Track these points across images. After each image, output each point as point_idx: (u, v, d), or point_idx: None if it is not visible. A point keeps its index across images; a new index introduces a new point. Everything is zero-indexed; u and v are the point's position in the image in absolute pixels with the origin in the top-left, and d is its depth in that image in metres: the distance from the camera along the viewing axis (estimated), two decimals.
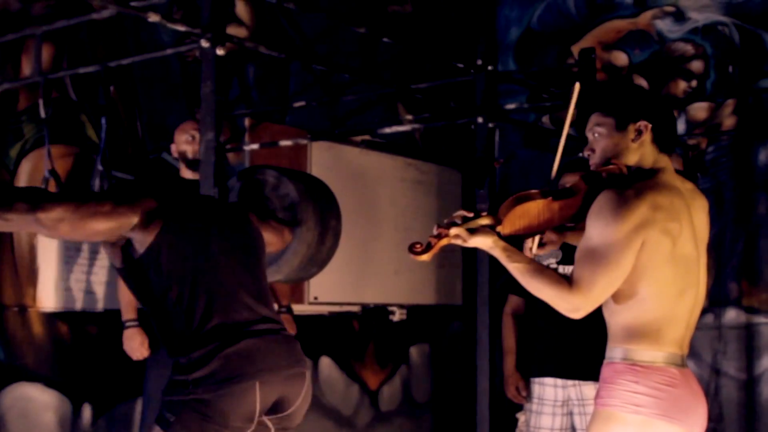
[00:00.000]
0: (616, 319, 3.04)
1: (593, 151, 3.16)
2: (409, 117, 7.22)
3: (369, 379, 7.26)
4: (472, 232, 2.98)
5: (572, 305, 2.94)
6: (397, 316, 7.32)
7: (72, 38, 5.41)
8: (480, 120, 4.95)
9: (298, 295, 6.19)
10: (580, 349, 4.58)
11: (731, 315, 6.86)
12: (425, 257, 2.96)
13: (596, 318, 4.31)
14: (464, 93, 6.18)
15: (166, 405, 3.12)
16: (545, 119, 7.91)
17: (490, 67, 5.06)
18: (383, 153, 6.96)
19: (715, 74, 7.24)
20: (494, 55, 5.12)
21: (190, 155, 5.00)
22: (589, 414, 4.53)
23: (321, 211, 4.23)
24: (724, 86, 7.18)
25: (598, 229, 2.94)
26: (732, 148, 7.11)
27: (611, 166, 3.10)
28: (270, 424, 3.24)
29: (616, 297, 3.00)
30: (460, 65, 5.24)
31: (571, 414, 4.64)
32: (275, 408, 3.23)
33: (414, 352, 7.66)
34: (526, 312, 4.92)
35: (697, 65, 7.31)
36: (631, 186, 2.99)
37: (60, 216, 3.07)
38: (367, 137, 6.63)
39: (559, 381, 4.65)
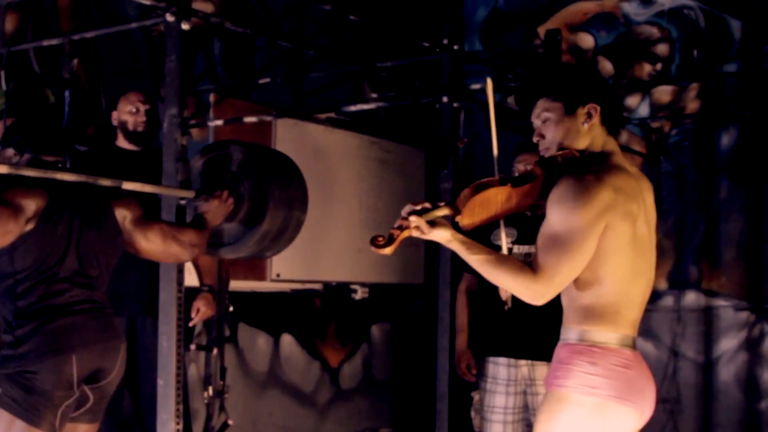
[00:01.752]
0: (574, 302, 3.03)
1: (542, 137, 3.14)
2: (374, 95, 7.20)
3: (330, 356, 7.27)
4: (432, 224, 2.96)
5: (536, 293, 2.93)
6: (359, 294, 7.32)
7: (36, 10, 5.35)
8: (445, 100, 4.94)
9: (260, 272, 6.17)
10: (533, 330, 4.60)
11: (691, 298, 6.91)
12: (388, 251, 2.92)
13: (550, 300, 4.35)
14: (430, 72, 6.18)
15: None
16: (510, 100, 7.91)
17: (456, 47, 5.05)
18: (348, 131, 6.94)
19: (680, 58, 7.27)
20: (460, 34, 5.12)
21: (130, 126, 4.97)
22: (541, 394, 4.56)
23: (287, 202, 4.23)
24: (688, 70, 7.21)
25: (560, 215, 2.91)
26: (695, 131, 7.14)
27: (565, 151, 3.07)
28: (89, 393, 3.49)
29: (576, 280, 2.98)
30: (426, 44, 5.23)
31: (524, 393, 4.66)
32: (93, 378, 3.47)
33: (375, 330, 7.68)
34: (479, 290, 4.93)
35: (662, 48, 7.34)
36: (588, 170, 2.98)
37: None
38: (331, 115, 6.61)
39: (512, 360, 4.67)
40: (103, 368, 3.50)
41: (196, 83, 6.11)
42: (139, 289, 4.78)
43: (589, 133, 3.09)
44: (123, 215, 3.73)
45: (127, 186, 3.75)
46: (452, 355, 4.93)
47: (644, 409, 3.02)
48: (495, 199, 3.03)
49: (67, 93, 4.53)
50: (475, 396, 4.82)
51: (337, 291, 7.23)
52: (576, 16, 7.65)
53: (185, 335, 5.42)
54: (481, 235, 4.59)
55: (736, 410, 6.87)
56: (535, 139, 3.17)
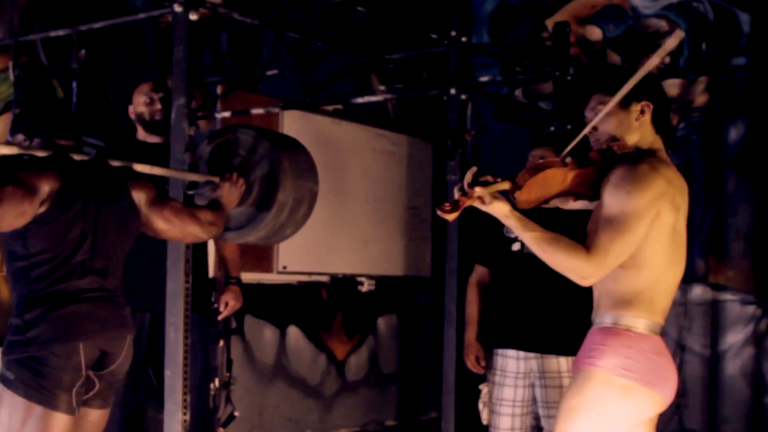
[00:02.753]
0: (611, 286, 3.11)
1: (595, 128, 3.22)
2: (382, 87, 7.20)
3: (336, 349, 7.27)
4: (493, 196, 3.04)
5: (587, 272, 3.01)
6: (366, 286, 7.32)
7: (44, 1, 5.35)
8: (453, 91, 4.94)
9: (266, 264, 6.17)
10: (543, 322, 4.59)
11: (697, 291, 6.91)
12: (452, 216, 2.98)
13: (559, 292, 4.34)
14: (438, 64, 6.16)
15: (6, 364, 3.36)
16: (518, 92, 7.91)
17: (464, 39, 5.05)
18: (355, 123, 6.93)
19: (688, 51, 7.25)
20: (468, 27, 5.11)
21: (146, 117, 4.93)
22: (550, 387, 4.56)
23: (298, 173, 4.23)
24: (697, 63, 7.20)
25: (616, 199, 3.02)
26: (703, 125, 7.13)
27: (619, 142, 3.16)
28: (95, 379, 3.49)
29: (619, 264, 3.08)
30: (434, 36, 5.22)
31: (532, 386, 4.66)
32: (99, 365, 3.48)
33: (382, 323, 7.68)
34: (491, 283, 4.92)
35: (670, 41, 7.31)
36: (643, 161, 3.08)
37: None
38: (339, 107, 6.61)
39: (522, 353, 4.66)
40: (109, 354, 3.51)
41: (203, 75, 6.11)
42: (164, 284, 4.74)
43: (639, 130, 3.20)
44: (139, 197, 3.70)
45: (138, 168, 3.76)
46: (460, 348, 4.93)
47: (667, 395, 3.13)
48: (553, 179, 3.10)
49: (74, 84, 4.53)
50: (484, 388, 4.81)
51: (344, 283, 7.23)
52: (584, 9, 7.64)
53: (224, 328, 5.47)
54: (494, 229, 4.60)
55: (742, 404, 6.86)
56: (587, 131, 3.23)
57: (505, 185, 3.06)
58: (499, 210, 3.06)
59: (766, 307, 6.82)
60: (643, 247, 3.05)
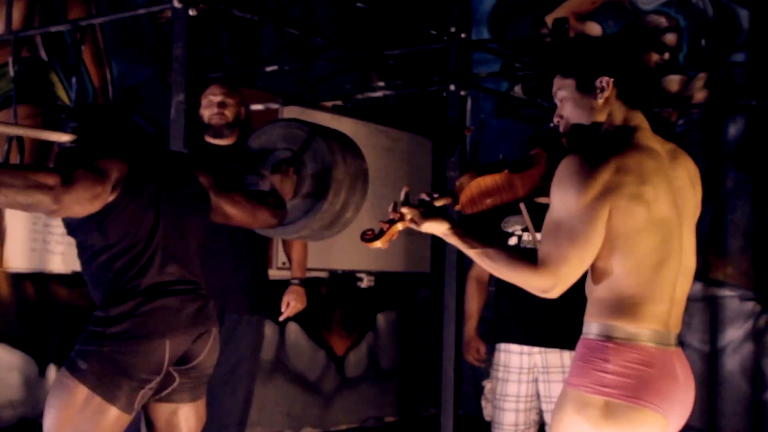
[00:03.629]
0: (594, 294, 2.78)
1: (561, 117, 2.92)
2: (382, 83, 7.20)
3: (336, 345, 7.28)
4: (427, 215, 2.83)
5: (542, 286, 2.70)
6: (365, 282, 7.33)
7: None
8: (452, 87, 4.94)
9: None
10: (545, 317, 4.59)
11: (696, 287, 6.90)
12: (378, 244, 2.83)
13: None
14: (437, 60, 6.17)
15: (80, 353, 3.27)
16: (518, 88, 7.91)
17: (463, 35, 5.05)
18: (354, 119, 6.95)
19: (687, 47, 7.26)
20: (468, 23, 5.12)
21: (205, 120, 4.84)
22: (553, 382, 4.56)
23: (348, 153, 4.21)
24: (696, 59, 7.20)
25: (559, 200, 2.69)
26: (702, 121, 7.13)
27: (571, 130, 2.88)
28: (175, 374, 3.42)
29: (592, 272, 2.76)
30: (434, 32, 5.23)
31: (536, 381, 4.66)
32: (181, 360, 3.41)
33: (381, 319, 7.68)
34: (490, 277, 4.92)
35: (670, 38, 7.33)
36: (593, 149, 2.73)
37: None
38: (338, 103, 6.61)
39: (525, 348, 4.65)
40: (192, 352, 3.43)
41: (203, 71, 6.11)
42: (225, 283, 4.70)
43: (605, 109, 2.85)
44: (206, 183, 3.64)
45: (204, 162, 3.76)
46: (459, 345, 4.93)
47: (670, 412, 2.72)
48: (494, 186, 2.91)
49: (74, 80, 4.53)
50: (487, 385, 4.80)
51: (343, 279, 7.24)
52: (584, 5, 7.64)
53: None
54: (491, 223, 4.60)
55: (741, 400, 6.87)
56: (555, 120, 2.95)
57: (443, 201, 2.88)
58: (436, 229, 2.83)
59: (766, 303, 6.82)
60: (608, 249, 2.69)
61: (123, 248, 3.33)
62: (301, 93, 6.76)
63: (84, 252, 3.40)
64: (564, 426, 2.73)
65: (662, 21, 7.35)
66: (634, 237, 2.70)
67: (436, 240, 7.54)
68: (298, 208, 4.19)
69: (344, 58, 6.76)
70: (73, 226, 3.36)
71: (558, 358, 4.57)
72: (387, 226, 2.85)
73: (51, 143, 5.08)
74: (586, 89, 2.86)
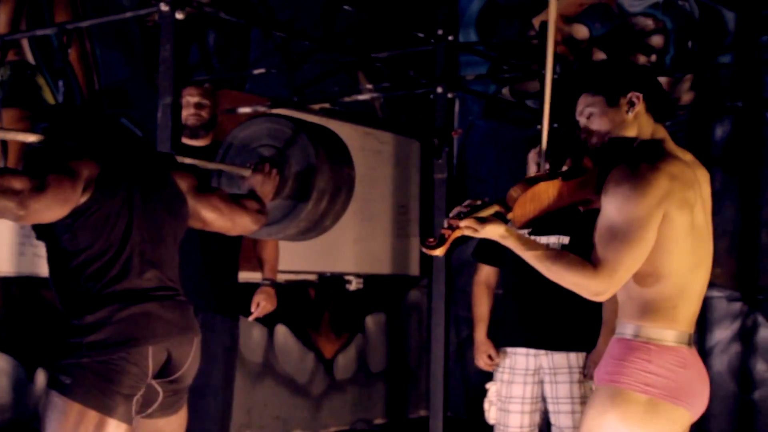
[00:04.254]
0: (631, 295, 2.94)
1: (589, 132, 3.07)
2: (369, 86, 7.21)
3: (324, 347, 7.28)
4: (483, 221, 2.88)
5: (597, 289, 2.83)
6: (354, 285, 7.34)
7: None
8: (439, 90, 4.95)
9: (253, 263, 6.18)
10: (551, 320, 4.59)
11: None
12: (439, 251, 2.85)
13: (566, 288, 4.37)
14: (424, 63, 6.18)
15: (61, 368, 3.12)
16: (505, 91, 7.92)
17: (450, 38, 5.06)
18: (342, 122, 6.94)
19: (674, 49, 7.28)
20: (455, 25, 5.13)
21: (181, 120, 4.83)
22: (560, 383, 4.57)
23: (335, 159, 4.14)
24: (683, 61, 7.22)
25: (617, 206, 2.84)
26: (689, 123, 7.15)
27: (612, 142, 3.01)
28: (159, 388, 3.27)
29: (634, 274, 2.89)
30: (421, 35, 5.24)
31: (542, 383, 4.67)
32: (163, 372, 3.26)
33: (370, 321, 7.69)
34: (498, 282, 4.93)
35: (656, 40, 7.35)
36: (642, 159, 2.91)
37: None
38: (326, 105, 6.61)
39: (531, 350, 4.66)
40: (175, 361, 3.28)
41: (190, 74, 6.11)
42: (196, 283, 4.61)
43: (635, 123, 3.03)
44: (183, 185, 3.49)
45: (184, 161, 3.69)
46: (447, 347, 4.94)
47: (697, 409, 2.96)
48: (546, 194, 2.95)
49: (61, 83, 4.52)
50: (491, 387, 4.80)
51: (332, 282, 7.24)
52: (571, 7, 7.66)
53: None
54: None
55: (729, 400, 6.89)
56: (582, 137, 3.09)
57: (495, 207, 2.91)
58: (494, 232, 2.88)
59: (752, 304, 6.84)
60: (659, 253, 2.86)
61: (95, 253, 3.18)
62: (289, 96, 6.76)
63: (53, 257, 3.25)
64: (603, 420, 2.90)
65: (649, 23, 7.37)
66: (678, 241, 2.88)
67: (424, 242, 7.56)
68: (276, 210, 4.11)
69: (332, 60, 6.76)
70: (41, 230, 3.22)
71: (564, 359, 4.57)
72: (449, 232, 2.85)
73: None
74: (615, 105, 3.02)
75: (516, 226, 2.97)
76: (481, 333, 4.94)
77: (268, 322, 6.77)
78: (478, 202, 2.94)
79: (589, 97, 3.07)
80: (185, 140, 4.82)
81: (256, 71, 6.05)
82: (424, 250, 2.85)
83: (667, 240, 2.86)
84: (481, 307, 4.96)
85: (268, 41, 6.77)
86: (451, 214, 2.90)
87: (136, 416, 3.26)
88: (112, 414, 3.09)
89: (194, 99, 4.80)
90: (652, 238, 2.83)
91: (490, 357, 4.91)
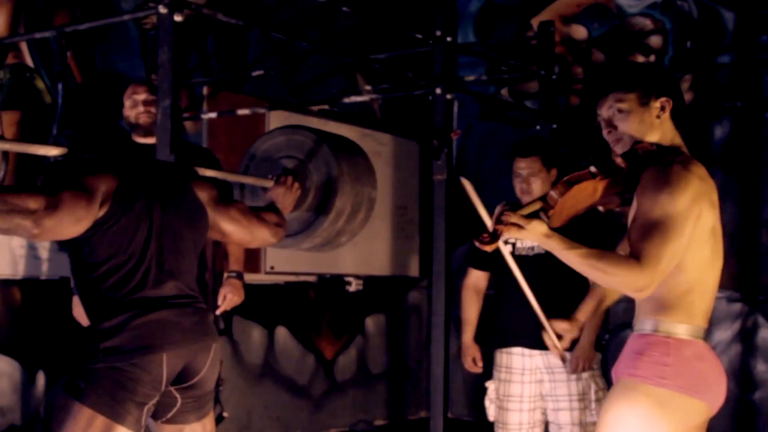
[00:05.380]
0: (655, 292, 2.95)
1: (614, 128, 3.10)
2: (368, 87, 7.21)
3: (325, 349, 7.28)
4: (528, 218, 2.90)
5: (643, 284, 2.86)
6: (354, 286, 7.33)
7: (29, 2, 5.35)
8: (438, 91, 4.94)
9: (254, 265, 6.19)
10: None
11: None
12: (493, 246, 2.89)
13: (557, 289, 4.36)
14: (423, 64, 6.18)
15: (76, 372, 3.15)
16: (504, 92, 7.92)
17: (449, 39, 5.05)
18: (341, 123, 6.94)
19: (673, 49, 7.28)
20: (453, 26, 5.11)
21: (132, 120, 4.85)
22: (558, 381, 4.58)
23: (357, 178, 4.13)
24: (681, 61, 7.22)
25: (655, 203, 2.88)
26: (688, 123, 7.14)
27: (643, 144, 3.04)
28: (177, 395, 3.30)
29: None
30: (419, 36, 5.23)
31: (540, 382, 4.67)
32: (180, 378, 3.28)
33: (370, 322, 7.69)
34: (489, 285, 4.94)
35: (655, 40, 7.35)
36: (674, 161, 2.97)
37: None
38: (325, 107, 6.61)
39: (526, 351, 4.67)
40: (192, 368, 3.30)
41: (189, 76, 6.11)
42: None
43: (660, 127, 3.08)
44: (202, 196, 3.50)
45: (205, 173, 3.70)
46: (447, 348, 4.94)
47: (714, 402, 3.02)
48: (584, 193, 3.00)
49: (60, 86, 4.52)
50: (490, 386, 4.81)
51: (332, 283, 7.24)
52: (569, 8, 7.66)
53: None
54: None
55: (729, 401, 6.81)
56: (605, 132, 3.13)
57: (537, 205, 2.94)
58: (538, 231, 2.90)
59: (753, 305, 6.84)
60: (686, 250, 2.93)
61: (114, 265, 3.21)
62: (288, 97, 6.77)
63: (75, 267, 3.29)
64: (621, 412, 2.97)
65: (647, 23, 7.37)
66: (704, 240, 2.97)
67: (424, 243, 7.56)
68: (293, 223, 4.10)
69: (330, 62, 6.76)
70: (63, 242, 3.26)
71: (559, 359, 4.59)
72: (501, 227, 2.89)
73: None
74: (647, 105, 3.07)
75: (553, 225, 2.99)
76: (468, 336, 4.97)
77: (268, 323, 6.78)
78: (514, 205, 2.98)
79: (621, 93, 3.09)
80: (138, 139, 4.79)
81: (255, 73, 6.05)
82: (478, 244, 2.88)
83: (694, 237, 2.93)
84: (470, 310, 4.98)
85: (266, 43, 6.77)
86: (495, 213, 2.93)
87: (156, 422, 3.31)
88: (121, 421, 3.12)
89: (141, 97, 4.77)
90: (688, 234, 2.90)
91: (474, 360, 4.93)
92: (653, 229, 2.87)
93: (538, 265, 4.50)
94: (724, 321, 6.91)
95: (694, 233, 2.92)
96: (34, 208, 3.01)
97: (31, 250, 5.33)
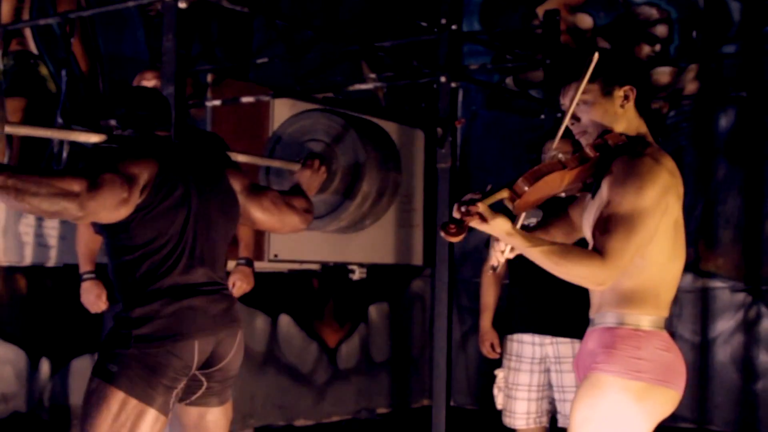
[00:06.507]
0: (616, 285, 2.94)
1: (577, 119, 3.06)
2: (373, 75, 7.19)
3: (328, 337, 7.28)
4: (494, 214, 2.83)
5: (602, 278, 2.85)
6: (357, 274, 7.33)
7: None
8: (443, 79, 4.93)
9: (258, 252, 6.18)
10: (556, 307, 4.61)
11: (687, 279, 6.91)
12: (460, 237, 2.82)
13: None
14: (428, 52, 6.17)
15: (109, 356, 3.21)
16: (509, 80, 7.91)
17: (454, 27, 5.04)
18: (345, 111, 6.94)
19: (678, 39, 7.26)
20: (459, 14, 5.10)
21: None
22: (565, 372, 4.59)
23: (383, 162, 4.13)
24: (687, 51, 7.20)
25: (623, 197, 2.85)
26: (693, 113, 7.14)
27: (612, 134, 3.01)
28: (203, 378, 3.37)
29: None
30: (424, 24, 5.22)
31: (548, 371, 4.68)
32: (207, 363, 3.36)
33: (373, 311, 7.69)
34: (506, 272, 4.93)
35: (661, 29, 7.33)
36: (645, 153, 2.94)
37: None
38: (329, 95, 6.61)
39: (537, 338, 4.67)
40: (219, 353, 3.37)
41: (193, 63, 6.10)
42: None
43: (625, 116, 3.04)
44: (235, 184, 3.55)
45: (237, 158, 3.69)
46: (450, 336, 4.94)
47: (681, 389, 3.00)
48: (552, 182, 2.96)
49: (63, 72, 4.51)
50: (499, 374, 4.83)
51: (335, 271, 7.24)
52: None
53: None
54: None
55: (732, 391, 6.89)
56: (569, 123, 3.08)
57: (504, 194, 2.88)
58: (501, 228, 2.83)
59: (756, 295, 6.84)
60: (651, 243, 2.90)
61: (151, 249, 3.26)
62: (292, 85, 6.75)
63: (111, 251, 3.32)
64: (601, 408, 2.92)
65: (653, 13, 7.35)
66: (669, 232, 2.94)
67: (428, 231, 7.55)
68: (324, 204, 4.10)
69: (335, 50, 6.75)
70: (101, 225, 3.29)
71: (569, 349, 4.60)
72: (469, 219, 2.82)
73: (41, 140, 5.08)
74: (609, 95, 3.02)
75: (516, 212, 2.98)
76: (486, 321, 4.97)
77: (271, 311, 6.78)
78: (488, 189, 2.91)
79: (582, 84, 3.02)
80: None
81: (259, 60, 6.04)
82: (444, 236, 2.82)
83: (659, 231, 2.91)
84: (488, 295, 4.99)
85: (271, 30, 6.75)
86: (462, 199, 2.86)
87: (180, 403, 3.37)
88: (152, 404, 3.18)
89: (152, 83, 4.76)
90: (655, 228, 2.88)
91: (492, 346, 4.94)
92: (619, 223, 2.84)
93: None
94: (727, 311, 6.91)
95: (659, 226, 2.89)
96: (78, 190, 3.05)
97: (38, 237, 5.33)
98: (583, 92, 3.02)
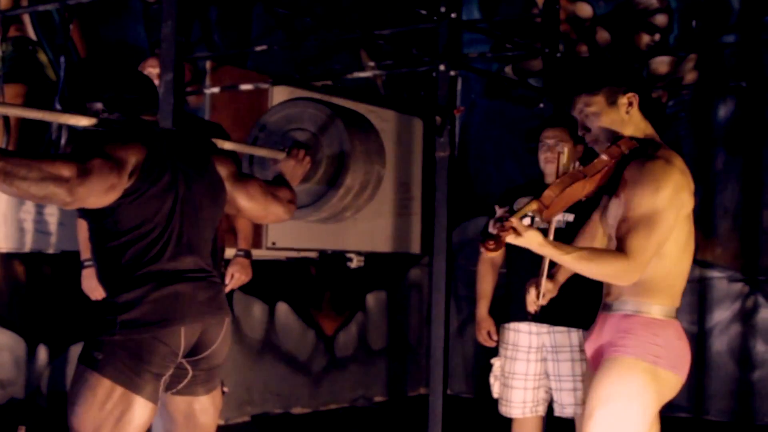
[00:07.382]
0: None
1: (587, 129, 3.29)
2: (372, 63, 7.19)
3: (325, 325, 7.29)
4: (525, 229, 3.04)
5: (630, 276, 3.09)
6: (355, 263, 7.34)
7: None
8: (442, 68, 4.93)
9: (256, 240, 6.17)
10: (555, 296, 4.61)
11: None
12: (498, 252, 3.11)
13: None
14: (427, 40, 6.16)
15: (93, 343, 3.18)
16: (508, 69, 7.90)
17: (453, 15, 5.04)
18: (344, 99, 6.93)
19: (678, 28, 7.25)
20: (458, 2, 5.09)
21: None
22: (562, 361, 4.59)
23: (367, 155, 4.12)
24: (686, 40, 7.20)
25: (642, 197, 3.09)
26: (692, 102, 7.14)
27: (623, 139, 3.22)
28: (188, 367, 3.33)
29: None
30: (424, 12, 5.21)
31: (544, 360, 4.69)
32: (193, 351, 3.32)
33: (370, 299, 7.69)
34: (503, 261, 4.93)
35: (660, 19, 7.32)
36: (654, 155, 3.16)
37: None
38: (328, 83, 6.60)
39: (534, 327, 4.67)
40: (205, 341, 3.33)
41: (192, 50, 6.09)
42: None
43: (631, 121, 3.25)
44: (222, 171, 3.51)
45: (223, 145, 3.68)
46: (447, 325, 4.94)
47: (685, 377, 3.24)
48: (575, 191, 3.19)
49: (62, 59, 4.51)
50: (495, 363, 4.83)
51: (333, 259, 7.24)
52: None
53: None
54: (505, 206, 4.60)
55: (729, 381, 6.90)
56: (580, 132, 3.31)
57: (533, 206, 3.12)
58: (534, 240, 3.05)
59: (753, 285, 6.84)
60: (668, 238, 3.14)
61: (137, 235, 3.22)
62: (291, 73, 6.75)
63: (96, 236, 3.29)
64: (627, 385, 3.15)
65: (653, 2, 7.34)
66: (683, 227, 3.18)
67: (426, 220, 7.55)
68: (306, 194, 4.08)
69: (334, 37, 6.74)
70: (85, 210, 3.24)
71: (566, 338, 4.61)
72: (505, 234, 3.03)
73: (38, 123, 5.07)
74: (614, 104, 3.25)
75: (545, 220, 3.21)
76: (483, 309, 4.97)
77: (268, 299, 6.78)
78: (520, 204, 3.16)
79: (587, 97, 3.27)
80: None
81: (258, 48, 6.02)
82: (484, 251, 3.05)
83: (674, 227, 3.14)
84: (485, 284, 4.99)
85: (270, 18, 6.74)
86: (496, 216, 3.06)
87: (167, 393, 3.33)
88: (139, 392, 3.15)
89: (156, 71, 4.75)
90: (673, 225, 3.12)
91: (489, 334, 4.94)
92: (639, 224, 3.08)
93: (559, 238, 4.50)
94: (725, 301, 6.92)
95: (679, 224, 3.15)
96: (67, 175, 3.01)
97: (38, 224, 5.33)
98: (588, 105, 3.26)
